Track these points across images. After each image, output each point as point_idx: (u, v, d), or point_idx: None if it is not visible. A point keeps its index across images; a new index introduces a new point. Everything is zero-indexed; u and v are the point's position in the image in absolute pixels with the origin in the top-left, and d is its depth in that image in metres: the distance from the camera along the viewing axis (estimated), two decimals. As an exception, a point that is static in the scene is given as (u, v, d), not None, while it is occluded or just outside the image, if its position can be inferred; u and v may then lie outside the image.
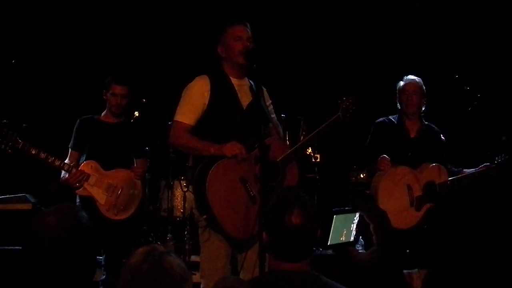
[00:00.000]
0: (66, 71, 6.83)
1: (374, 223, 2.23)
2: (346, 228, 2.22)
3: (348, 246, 2.43)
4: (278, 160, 3.65)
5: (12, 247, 4.85)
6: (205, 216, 3.53)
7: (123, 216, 4.64)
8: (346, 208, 4.10)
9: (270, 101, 3.93)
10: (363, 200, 2.69)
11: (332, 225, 2.20)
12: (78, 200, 4.62)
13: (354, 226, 2.26)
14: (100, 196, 4.57)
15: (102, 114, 4.78)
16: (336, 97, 4.00)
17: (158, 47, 7.09)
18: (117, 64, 6.53)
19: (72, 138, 4.74)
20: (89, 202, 4.53)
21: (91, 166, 4.58)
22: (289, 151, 3.73)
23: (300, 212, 2.24)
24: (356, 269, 2.51)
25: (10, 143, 4.30)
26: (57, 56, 6.80)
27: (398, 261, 3.39)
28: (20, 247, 1.92)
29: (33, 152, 4.37)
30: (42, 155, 4.40)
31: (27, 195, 5.53)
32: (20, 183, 6.01)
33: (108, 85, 4.69)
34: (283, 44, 6.89)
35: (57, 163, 4.45)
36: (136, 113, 5.70)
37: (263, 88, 3.88)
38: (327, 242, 2.28)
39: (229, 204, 3.54)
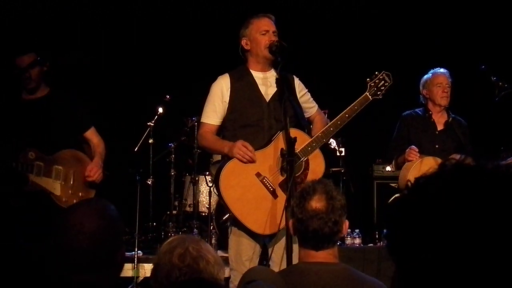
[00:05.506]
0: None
1: None
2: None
3: None
4: (297, 151, 3.60)
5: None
6: (227, 215, 3.55)
7: None
8: None
9: (305, 91, 3.91)
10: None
11: None
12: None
13: None
14: (53, 186, 3.94)
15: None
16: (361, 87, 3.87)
17: (182, 43, 7.09)
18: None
19: None
20: (41, 197, 3.90)
21: (31, 154, 3.91)
22: (310, 140, 3.68)
23: (322, 197, 2.25)
24: None
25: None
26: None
27: None
28: (50, 242, 1.91)
29: None
30: None
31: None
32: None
33: (14, 65, 4.06)
34: (307, 38, 6.83)
35: None
36: (160, 110, 5.70)
37: (295, 78, 3.88)
38: None
39: (248, 202, 3.55)
